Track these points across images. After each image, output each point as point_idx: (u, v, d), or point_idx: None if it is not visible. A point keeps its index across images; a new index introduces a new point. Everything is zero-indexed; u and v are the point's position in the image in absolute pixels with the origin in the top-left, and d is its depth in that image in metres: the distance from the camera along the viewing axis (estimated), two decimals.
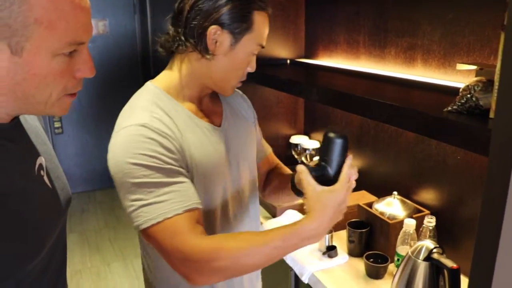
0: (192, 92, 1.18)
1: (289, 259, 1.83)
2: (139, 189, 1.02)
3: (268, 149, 1.48)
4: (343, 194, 1.05)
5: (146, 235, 1.04)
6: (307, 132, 2.73)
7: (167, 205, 1.02)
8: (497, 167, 0.86)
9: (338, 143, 1.08)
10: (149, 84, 1.17)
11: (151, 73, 4.53)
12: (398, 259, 1.71)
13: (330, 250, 1.82)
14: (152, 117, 1.07)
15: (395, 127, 1.91)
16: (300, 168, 1.09)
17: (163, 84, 1.17)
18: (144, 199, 1.02)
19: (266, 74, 2.14)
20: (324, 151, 1.10)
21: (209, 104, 1.24)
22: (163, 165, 1.04)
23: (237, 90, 1.38)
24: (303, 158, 2.47)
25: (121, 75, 4.81)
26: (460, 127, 1.09)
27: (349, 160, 1.09)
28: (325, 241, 1.84)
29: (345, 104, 1.59)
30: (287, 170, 1.45)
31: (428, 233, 1.66)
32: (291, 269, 1.84)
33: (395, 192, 1.87)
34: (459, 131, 1.09)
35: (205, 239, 1.03)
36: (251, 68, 1.17)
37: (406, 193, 1.96)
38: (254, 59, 1.17)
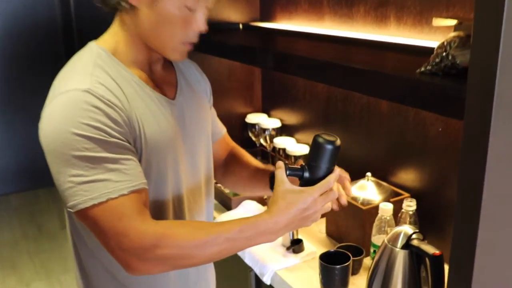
0: (139, 56, 1.21)
1: (248, 257, 1.89)
2: (79, 164, 1.04)
3: (223, 129, 1.55)
4: (311, 200, 1.11)
5: (83, 216, 1.06)
6: (266, 110, 2.75)
7: (111, 184, 1.05)
8: (473, 134, 0.92)
9: (325, 149, 1.14)
10: (92, 45, 1.19)
11: (75, 47, 4.35)
12: (374, 251, 1.76)
13: (295, 245, 1.85)
14: (96, 82, 1.09)
15: (366, 99, 2.03)
16: (279, 164, 1.17)
17: (108, 45, 1.19)
18: (85, 176, 1.04)
19: (214, 40, 2.16)
20: (309, 155, 1.18)
21: (162, 74, 1.28)
22: (109, 138, 1.06)
23: (192, 62, 1.44)
24: (261, 140, 2.54)
25: (34, 51, 4.56)
26: (434, 89, 1.15)
27: (337, 172, 1.16)
28: (289, 234, 1.89)
29: (308, 71, 1.64)
30: (252, 159, 1.52)
31: (408, 218, 1.71)
32: (250, 269, 1.88)
33: (368, 174, 1.91)
34: (432, 93, 1.15)
35: (152, 224, 1.07)
36: (198, 27, 1.19)
37: (382, 175, 2.01)
38: (200, 16, 1.18)
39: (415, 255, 1.42)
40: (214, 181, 1.47)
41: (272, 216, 1.10)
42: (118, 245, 1.05)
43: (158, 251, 1.05)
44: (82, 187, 1.04)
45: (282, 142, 2.42)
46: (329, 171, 1.16)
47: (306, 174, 1.16)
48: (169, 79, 1.30)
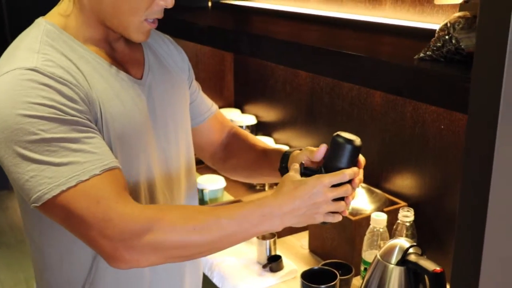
0: (95, 33, 1.24)
1: (217, 277, 1.90)
2: (37, 149, 1.05)
3: (214, 106, 1.58)
4: (320, 186, 1.14)
5: (52, 208, 1.08)
6: (239, 104, 2.78)
7: (79, 166, 1.07)
8: (478, 131, 0.92)
9: (344, 149, 1.19)
10: (40, 21, 1.22)
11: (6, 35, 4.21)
12: (365, 269, 1.76)
13: (273, 262, 1.87)
14: (44, 60, 1.12)
15: (357, 91, 2.07)
16: (294, 165, 1.22)
17: (59, 20, 1.22)
18: (46, 162, 1.06)
19: (178, 20, 2.15)
20: (327, 155, 1.23)
21: (125, 51, 1.31)
22: (66, 116, 1.08)
23: (168, 37, 1.47)
24: None
25: None
26: (434, 78, 1.16)
27: (355, 170, 1.20)
28: (265, 250, 1.91)
29: (289, 58, 1.66)
30: (258, 140, 1.56)
31: (405, 231, 1.73)
32: None
33: None
34: (432, 83, 1.17)
35: (138, 207, 1.10)
36: (165, 1, 1.22)
37: (375, 180, 2.04)
38: None
39: (412, 273, 1.42)
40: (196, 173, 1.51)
41: (277, 198, 1.14)
42: (100, 232, 1.06)
43: (149, 236, 1.07)
44: (45, 174, 1.05)
45: None
46: None
47: (307, 173, 1.20)
48: (135, 57, 1.33)
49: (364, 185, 1.95)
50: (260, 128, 2.68)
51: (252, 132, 2.60)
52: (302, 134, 2.49)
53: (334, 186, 1.16)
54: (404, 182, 1.96)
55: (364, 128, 2.09)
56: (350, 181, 1.18)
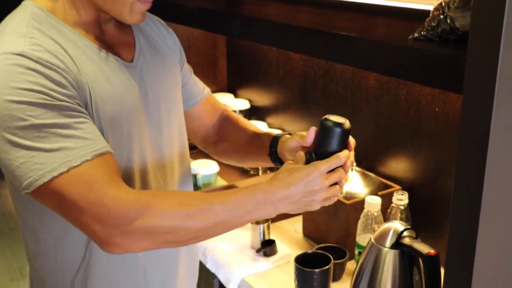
0: (85, 16, 1.22)
1: (211, 262, 1.91)
2: (27, 135, 1.05)
3: (206, 89, 1.58)
4: (316, 173, 1.15)
5: (44, 194, 1.08)
6: (232, 89, 2.77)
7: (70, 152, 1.07)
8: (473, 112, 0.92)
9: (333, 133, 1.19)
10: (26, 3, 1.20)
11: None
12: (359, 253, 1.77)
13: (266, 246, 1.87)
14: (32, 44, 1.11)
15: (351, 74, 2.07)
16: (300, 154, 1.22)
17: (46, 3, 1.20)
18: (36, 148, 1.06)
19: (168, 3, 2.14)
20: (316, 140, 1.22)
21: (115, 34, 1.30)
22: (55, 102, 1.08)
23: (159, 19, 1.47)
24: None
25: None
26: (428, 58, 1.16)
27: (347, 153, 1.20)
28: (259, 234, 1.92)
29: (282, 40, 1.66)
30: (249, 123, 1.56)
31: (399, 214, 1.74)
32: (213, 276, 1.90)
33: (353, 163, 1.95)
34: (426, 63, 1.16)
35: (131, 192, 1.11)
36: None
37: (369, 164, 2.05)
38: None
39: (406, 256, 1.43)
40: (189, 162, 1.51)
41: (271, 184, 1.15)
42: (94, 217, 1.07)
43: (143, 221, 1.08)
44: (35, 160, 1.05)
45: None
46: None
47: (313, 161, 1.20)
48: (125, 40, 1.32)
49: (358, 168, 1.96)
50: (253, 112, 2.68)
51: (245, 116, 2.58)
52: (295, 118, 2.49)
53: (329, 171, 1.17)
54: (399, 166, 1.97)
55: (359, 111, 2.09)
56: (342, 165, 1.19)
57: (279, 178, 1.16)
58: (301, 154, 1.21)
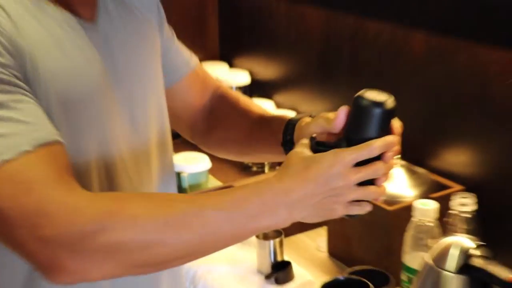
0: None
1: None
2: None
3: (193, 59, 1.50)
4: (340, 163, 1.03)
5: None
6: (226, 57, 2.64)
7: (3, 141, 0.98)
8: None
9: (372, 114, 1.07)
10: None
11: None
12: (409, 279, 1.62)
13: (279, 271, 1.73)
14: None
15: (390, 34, 1.94)
16: (302, 140, 1.13)
17: None
18: None
19: None
20: (349, 126, 1.11)
21: None
22: None
23: None
24: None
25: None
26: (499, 9, 1.11)
27: (389, 139, 1.07)
28: (269, 254, 1.76)
29: None
30: (252, 104, 1.49)
31: (463, 225, 1.59)
32: None
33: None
34: (495, 15, 1.12)
35: (87, 196, 1.02)
36: None
37: (417, 156, 1.89)
38: None
39: (479, 283, 1.29)
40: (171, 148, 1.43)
41: (283, 180, 1.03)
42: (32, 232, 0.95)
43: (102, 236, 0.96)
44: None
45: None
46: None
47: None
48: None
49: (403, 162, 1.79)
50: (255, 88, 2.51)
51: (245, 93, 2.32)
52: (313, 96, 2.34)
53: (359, 164, 1.03)
54: (459, 158, 1.81)
55: (401, 86, 1.90)
56: (380, 156, 1.06)
57: (292, 172, 1.04)
58: (305, 140, 1.10)
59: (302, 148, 1.08)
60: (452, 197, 1.59)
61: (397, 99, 1.80)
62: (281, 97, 2.47)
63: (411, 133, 1.75)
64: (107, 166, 1.21)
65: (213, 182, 2.24)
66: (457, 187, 1.74)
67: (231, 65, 2.61)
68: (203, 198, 1.05)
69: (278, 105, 2.44)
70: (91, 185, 1.17)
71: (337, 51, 2.12)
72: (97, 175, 1.19)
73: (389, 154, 1.07)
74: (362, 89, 1.09)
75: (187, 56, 1.47)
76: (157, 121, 1.33)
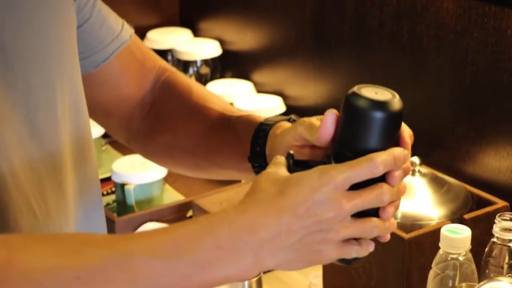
0: None
1: None
2: None
3: (126, 30, 1.32)
4: (328, 182, 0.86)
5: None
6: (188, 21, 2.47)
7: None
8: None
9: (370, 120, 0.92)
10: None
11: None
12: None
13: None
14: None
15: None
16: (277, 159, 0.98)
17: None
18: None
19: None
20: (340, 136, 0.96)
21: None
22: None
23: None
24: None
25: None
26: None
27: (394, 153, 0.91)
28: None
29: None
30: (212, 97, 1.34)
31: (508, 259, 1.44)
32: None
33: (415, 159, 1.61)
34: None
35: None
36: None
37: (444, 159, 1.77)
38: None
39: None
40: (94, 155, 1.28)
41: (246, 211, 0.87)
42: None
43: None
44: None
45: (224, 91, 2.12)
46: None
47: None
48: None
49: (425, 169, 1.60)
50: (228, 63, 2.31)
51: (214, 70, 2.22)
52: (305, 74, 2.13)
53: (355, 187, 0.84)
54: (503, 164, 1.62)
55: (424, 63, 1.73)
56: (385, 176, 0.88)
57: (261, 199, 0.87)
58: (279, 158, 0.94)
59: (276, 168, 0.93)
60: (497, 220, 1.36)
61: (417, 79, 1.69)
62: (262, 75, 2.25)
63: (435, 126, 1.76)
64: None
65: (171, 196, 1.97)
66: (500, 203, 1.53)
67: (195, 32, 2.41)
68: (131, 240, 0.91)
69: (258, 87, 2.18)
70: None
71: (337, 14, 1.93)
72: None
73: (397, 173, 0.91)
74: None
75: (116, 27, 1.27)
76: (71, 122, 1.15)
